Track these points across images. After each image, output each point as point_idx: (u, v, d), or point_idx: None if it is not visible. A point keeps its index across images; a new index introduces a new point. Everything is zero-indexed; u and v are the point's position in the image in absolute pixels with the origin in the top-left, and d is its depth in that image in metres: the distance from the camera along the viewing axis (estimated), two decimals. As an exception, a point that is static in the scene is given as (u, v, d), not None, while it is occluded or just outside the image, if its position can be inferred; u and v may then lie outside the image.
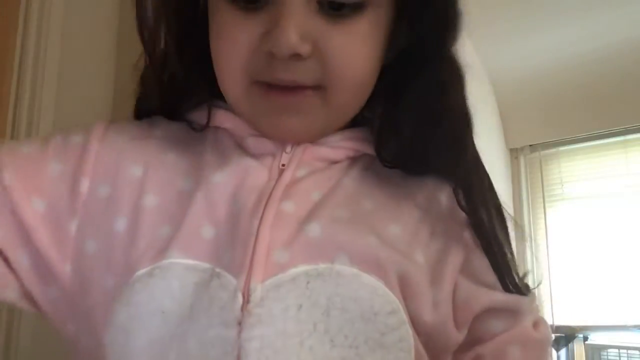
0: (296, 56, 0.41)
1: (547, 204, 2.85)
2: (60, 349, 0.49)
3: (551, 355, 0.50)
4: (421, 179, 0.49)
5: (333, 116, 0.47)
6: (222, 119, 0.49)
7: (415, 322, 0.41)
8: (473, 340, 0.46)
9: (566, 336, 2.68)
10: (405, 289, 0.41)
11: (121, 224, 0.43)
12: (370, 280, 0.40)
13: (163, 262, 0.40)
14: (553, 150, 2.88)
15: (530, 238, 2.87)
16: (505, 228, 0.48)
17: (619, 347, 2.48)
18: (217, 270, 0.40)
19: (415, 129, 0.48)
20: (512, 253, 0.48)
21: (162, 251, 0.41)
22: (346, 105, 0.47)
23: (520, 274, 0.49)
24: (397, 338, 0.40)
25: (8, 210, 0.43)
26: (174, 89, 0.50)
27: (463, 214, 0.47)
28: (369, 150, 0.50)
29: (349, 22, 0.43)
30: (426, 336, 0.42)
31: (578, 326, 2.65)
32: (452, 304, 0.44)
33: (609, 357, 2.50)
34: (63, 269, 0.43)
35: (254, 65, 0.43)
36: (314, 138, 0.48)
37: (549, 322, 2.85)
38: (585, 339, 2.62)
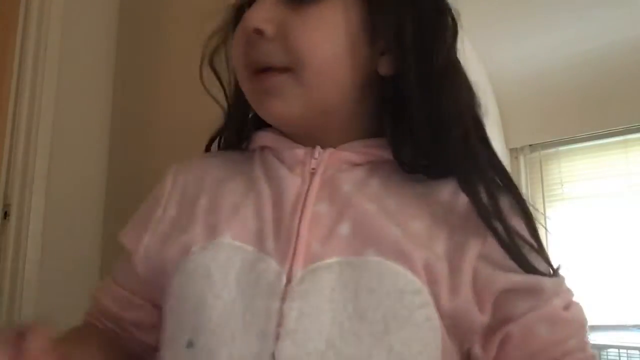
0: (259, 33, 0.50)
1: (547, 204, 2.85)
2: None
3: (588, 339, 0.53)
4: (441, 181, 0.53)
5: (311, 97, 0.52)
6: (264, 139, 0.58)
7: (437, 307, 0.46)
8: (501, 321, 0.48)
9: (566, 336, 2.68)
10: (428, 277, 0.46)
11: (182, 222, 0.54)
12: (396, 266, 0.46)
13: (214, 240, 0.50)
14: (553, 150, 2.88)
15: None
16: (526, 219, 0.50)
17: (619, 347, 2.48)
18: (261, 254, 0.49)
19: (426, 134, 0.51)
20: (535, 241, 0.50)
21: (214, 233, 0.51)
22: (320, 86, 0.51)
23: (546, 259, 0.50)
24: (425, 317, 0.45)
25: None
26: (231, 129, 0.62)
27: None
28: (390, 156, 0.54)
29: (309, 9, 0.50)
30: (449, 319, 0.46)
31: (578, 326, 2.65)
32: (472, 289, 0.47)
33: (609, 357, 2.50)
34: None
35: (245, 56, 0.52)
36: (300, 120, 0.53)
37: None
38: (585, 338, 2.62)
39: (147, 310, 0.58)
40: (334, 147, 0.54)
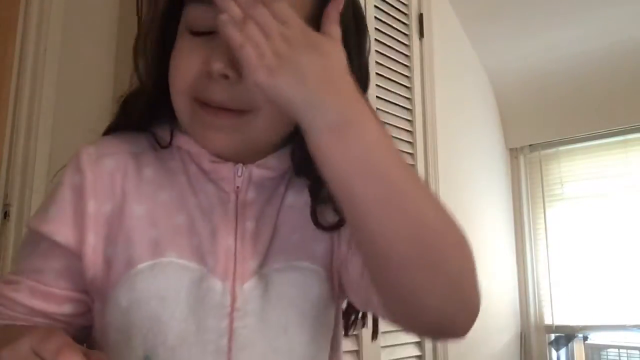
0: (225, 78, 0.52)
1: (546, 204, 2.86)
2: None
3: None
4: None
5: (255, 138, 0.56)
6: (183, 142, 0.59)
7: (331, 286, 0.59)
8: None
9: (566, 336, 2.68)
10: (326, 266, 0.58)
11: (117, 228, 0.55)
12: (310, 266, 0.57)
13: (161, 259, 0.53)
14: (553, 150, 2.88)
15: (530, 238, 2.87)
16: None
17: (619, 347, 2.48)
18: (204, 271, 0.54)
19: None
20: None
21: (159, 251, 0.53)
22: (267, 130, 0.56)
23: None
24: (329, 296, 0.58)
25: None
26: (149, 106, 0.60)
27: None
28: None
29: None
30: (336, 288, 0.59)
31: (578, 326, 2.66)
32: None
33: (609, 357, 2.50)
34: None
35: (197, 84, 0.54)
36: (236, 155, 0.57)
37: (549, 322, 2.86)
38: (585, 339, 2.62)
39: (85, 300, 0.57)
40: (252, 163, 0.58)
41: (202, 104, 0.54)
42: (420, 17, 1.95)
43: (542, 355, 2.74)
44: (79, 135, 1.31)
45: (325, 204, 0.58)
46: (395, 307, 0.52)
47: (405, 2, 1.89)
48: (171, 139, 0.59)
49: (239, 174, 0.58)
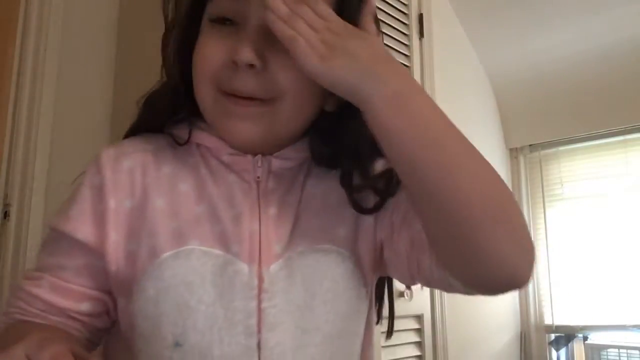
0: (251, 67, 0.53)
1: (546, 204, 2.85)
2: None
3: None
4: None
5: (279, 127, 0.58)
6: (202, 138, 0.61)
7: (359, 265, 0.60)
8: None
9: (566, 336, 2.68)
10: (351, 249, 0.60)
11: (140, 222, 0.56)
12: (333, 248, 0.58)
13: (185, 247, 0.55)
14: (553, 150, 2.88)
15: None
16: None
17: (618, 347, 2.48)
18: (229, 257, 0.55)
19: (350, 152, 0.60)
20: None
21: (182, 240, 0.55)
22: (291, 119, 0.58)
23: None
24: (354, 281, 0.59)
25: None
26: (175, 101, 0.61)
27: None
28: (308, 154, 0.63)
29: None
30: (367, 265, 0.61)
31: (578, 326, 2.66)
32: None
33: (609, 357, 2.50)
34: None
35: (221, 75, 0.55)
36: (261, 144, 0.59)
37: (549, 322, 2.85)
38: (585, 338, 2.62)
39: (104, 300, 0.58)
40: (271, 154, 0.60)
41: (227, 94, 0.55)
42: (420, 17, 1.95)
43: (542, 355, 2.74)
44: (79, 135, 1.31)
45: (359, 191, 0.60)
46: (457, 263, 0.54)
47: (405, 2, 1.89)
48: (189, 137, 0.60)
49: (259, 164, 0.59)
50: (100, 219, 0.56)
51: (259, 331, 0.54)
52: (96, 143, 1.34)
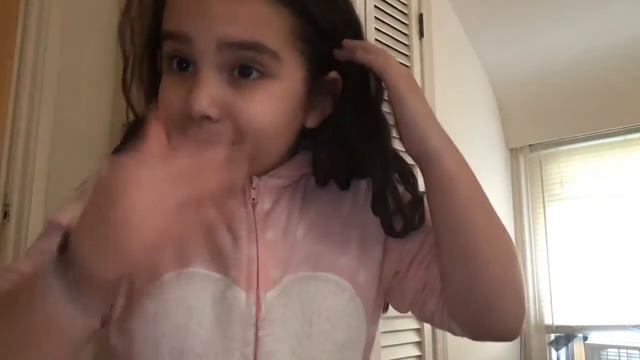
0: (207, 118, 0.51)
1: (546, 204, 2.85)
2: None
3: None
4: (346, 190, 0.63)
5: (259, 161, 0.56)
6: None
7: (359, 293, 0.60)
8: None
9: (566, 336, 2.68)
10: (351, 277, 0.59)
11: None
12: (327, 275, 0.58)
13: (187, 269, 0.55)
14: (553, 150, 2.88)
15: (530, 238, 2.87)
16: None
17: (618, 347, 2.48)
18: (228, 281, 0.55)
19: (344, 158, 0.61)
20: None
21: (184, 262, 0.55)
22: (267, 152, 0.57)
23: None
24: (352, 307, 0.59)
25: None
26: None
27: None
28: (307, 170, 0.62)
29: (252, 87, 0.52)
30: (373, 295, 0.62)
31: (578, 326, 2.66)
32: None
33: (609, 357, 2.50)
34: None
35: (183, 124, 0.52)
36: (246, 177, 0.58)
37: (549, 322, 2.85)
38: (585, 338, 2.62)
39: None
40: (265, 174, 0.59)
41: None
42: (420, 17, 1.95)
43: (542, 355, 2.74)
44: (79, 135, 1.31)
45: (391, 215, 0.61)
46: (467, 315, 0.58)
47: (405, 2, 1.89)
48: None
49: (253, 186, 0.59)
50: None
51: (255, 358, 0.54)
52: (96, 143, 1.33)
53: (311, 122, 0.59)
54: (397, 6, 1.85)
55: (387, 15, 1.80)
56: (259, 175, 0.59)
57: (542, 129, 2.87)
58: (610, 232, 2.60)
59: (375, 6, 1.75)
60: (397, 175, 0.63)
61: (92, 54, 1.37)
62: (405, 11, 1.89)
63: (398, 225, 0.61)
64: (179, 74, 0.54)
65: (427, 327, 1.77)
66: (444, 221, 0.58)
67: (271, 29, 0.52)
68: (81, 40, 1.35)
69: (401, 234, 0.61)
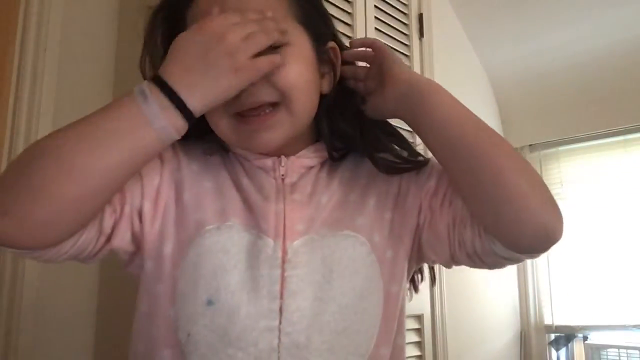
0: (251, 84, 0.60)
1: (547, 204, 2.85)
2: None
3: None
4: (359, 164, 0.73)
5: (297, 123, 0.66)
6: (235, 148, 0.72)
7: (374, 250, 0.67)
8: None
9: (566, 336, 2.68)
10: (369, 235, 0.67)
11: (187, 197, 0.66)
12: (347, 232, 0.66)
13: (226, 223, 0.64)
14: (553, 150, 2.88)
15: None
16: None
17: (618, 347, 2.48)
18: (259, 233, 0.64)
19: (349, 129, 0.71)
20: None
21: (224, 217, 0.64)
22: (304, 112, 0.66)
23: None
24: (370, 260, 0.66)
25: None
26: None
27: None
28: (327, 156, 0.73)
29: (281, 51, 0.62)
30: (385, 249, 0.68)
31: (578, 326, 2.66)
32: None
33: (609, 357, 2.50)
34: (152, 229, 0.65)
35: (229, 103, 0.61)
36: (286, 144, 0.67)
37: (549, 322, 2.86)
38: (585, 338, 2.62)
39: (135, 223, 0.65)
40: (293, 155, 0.70)
41: (240, 115, 0.63)
42: (420, 17, 1.95)
43: (542, 355, 2.74)
44: (79, 135, 1.31)
45: (380, 162, 0.70)
46: (499, 224, 0.61)
47: (405, 2, 1.89)
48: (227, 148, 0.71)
49: (282, 164, 0.69)
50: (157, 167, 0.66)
51: (281, 297, 0.61)
52: (96, 143, 1.33)
53: (324, 88, 0.70)
54: (397, 6, 1.85)
55: (387, 15, 1.80)
56: (287, 155, 0.69)
57: (542, 129, 2.86)
58: (610, 232, 2.60)
59: (375, 6, 1.75)
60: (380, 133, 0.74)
61: (92, 54, 1.37)
62: (405, 11, 1.89)
63: (399, 163, 0.71)
64: None
65: (427, 327, 1.77)
66: (452, 147, 0.64)
67: (272, 9, 0.63)
68: (81, 40, 1.35)
69: (407, 165, 0.71)
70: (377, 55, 0.72)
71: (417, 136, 0.69)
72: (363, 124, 0.72)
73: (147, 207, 0.64)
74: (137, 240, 0.64)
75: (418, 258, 0.71)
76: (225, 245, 0.62)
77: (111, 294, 1.26)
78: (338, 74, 0.71)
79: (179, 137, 0.58)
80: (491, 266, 0.67)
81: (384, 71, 0.70)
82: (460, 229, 0.65)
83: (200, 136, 0.70)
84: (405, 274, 0.70)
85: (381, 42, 0.73)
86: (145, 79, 0.68)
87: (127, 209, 0.63)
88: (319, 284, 0.62)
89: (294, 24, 0.65)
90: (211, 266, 0.61)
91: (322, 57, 0.69)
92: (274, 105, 0.63)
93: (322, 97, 0.70)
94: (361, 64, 0.76)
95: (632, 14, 2.38)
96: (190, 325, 0.60)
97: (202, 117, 0.64)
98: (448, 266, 0.70)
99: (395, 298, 0.67)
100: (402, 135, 0.77)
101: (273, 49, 0.61)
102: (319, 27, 0.70)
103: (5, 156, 1.17)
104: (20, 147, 1.18)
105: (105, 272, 1.27)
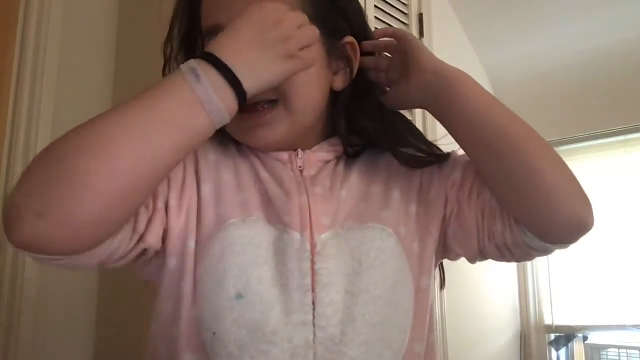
0: None
1: (547, 204, 2.85)
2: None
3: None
4: (377, 155, 0.72)
5: (297, 121, 0.65)
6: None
7: (403, 244, 0.65)
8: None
9: (566, 336, 2.68)
10: (395, 227, 0.65)
11: (208, 190, 0.64)
12: (373, 225, 0.64)
13: (251, 217, 0.62)
14: (553, 150, 2.88)
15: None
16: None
17: (618, 347, 2.48)
18: (284, 227, 0.62)
19: (368, 124, 0.70)
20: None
21: (247, 211, 0.62)
22: (304, 109, 0.65)
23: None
24: (398, 253, 0.64)
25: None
26: None
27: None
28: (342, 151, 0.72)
29: None
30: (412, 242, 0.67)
31: (578, 326, 2.66)
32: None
33: (609, 357, 2.50)
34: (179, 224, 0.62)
35: None
36: (288, 141, 0.66)
37: (549, 322, 2.85)
38: (585, 338, 2.62)
39: (165, 220, 0.62)
40: (309, 149, 0.69)
41: (242, 113, 0.60)
42: (420, 17, 1.95)
43: (542, 355, 2.73)
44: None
45: (406, 159, 0.69)
46: (530, 212, 0.61)
47: (405, 2, 1.89)
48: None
49: (299, 157, 0.68)
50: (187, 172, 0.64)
51: (313, 290, 0.59)
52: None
53: (337, 85, 0.68)
54: (397, 6, 1.85)
55: (387, 15, 1.80)
56: (303, 149, 0.68)
57: (543, 129, 2.80)
58: (611, 232, 2.60)
59: (375, 6, 1.75)
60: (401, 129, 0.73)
61: (92, 54, 1.37)
62: (406, 11, 1.89)
63: (424, 157, 0.70)
64: None
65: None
66: (483, 137, 0.63)
67: (286, 3, 0.60)
68: (81, 40, 1.35)
69: (430, 159, 0.70)
70: (401, 44, 0.70)
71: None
72: (383, 117, 0.71)
73: (174, 200, 0.61)
74: (164, 237, 0.60)
75: (443, 252, 0.70)
76: (254, 240, 0.60)
77: (111, 294, 1.27)
78: (355, 69, 0.69)
79: (229, 121, 0.55)
80: (519, 258, 0.66)
81: (409, 60, 0.68)
82: (490, 221, 0.64)
83: None
84: (434, 267, 0.68)
85: (405, 30, 0.72)
86: (167, 63, 0.69)
87: (159, 203, 0.59)
88: (349, 278, 0.60)
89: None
90: (240, 260, 0.59)
91: (336, 53, 0.68)
92: (273, 102, 0.63)
93: (337, 93, 0.69)
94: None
95: (632, 14, 2.38)
96: (217, 323, 0.57)
97: None
98: (473, 261, 0.69)
99: (425, 292, 0.66)
100: (418, 130, 0.76)
101: None
102: (334, 23, 0.68)
103: (5, 156, 1.17)
104: (20, 147, 1.18)
105: (105, 272, 1.27)
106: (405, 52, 0.69)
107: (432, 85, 0.66)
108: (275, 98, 0.63)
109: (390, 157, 0.70)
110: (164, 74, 0.67)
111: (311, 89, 0.65)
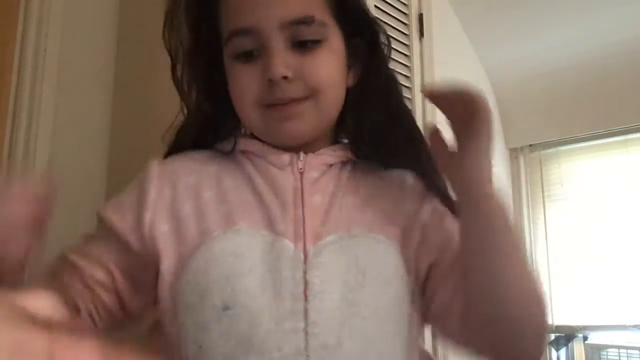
0: (285, 78, 0.62)
1: (546, 204, 2.85)
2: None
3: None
4: (392, 171, 0.71)
5: (324, 115, 0.66)
6: (247, 144, 0.69)
7: (402, 254, 0.64)
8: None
9: (566, 336, 2.68)
10: (394, 239, 0.64)
11: (187, 208, 0.63)
12: (375, 235, 0.64)
13: (233, 227, 0.61)
14: (553, 149, 2.88)
15: (530, 238, 2.87)
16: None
17: (618, 347, 2.48)
18: (276, 236, 0.61)
19: (376, 133, 0.69)
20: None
21: (230, 221, 0.61)
22: (331, 105, 0.67)
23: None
24: (395, 263, 0.63)
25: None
26: (208, 128, 0.71)
27: (422, 187, 0.70)
28: (348, 155, 0.70)
29: (313, 51, 0.64)
30: (408, 259, 0.65)
31: (578, 326, 2.66)
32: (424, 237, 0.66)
33: (609, 357, 2.50)
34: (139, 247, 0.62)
35: (261, 95, 0.64)
36: (310, 138, 0.67)
37: (549, 322, 2.86)
38: (585, 338, 2.62)
39: (118, 281, 0.62)
40: (312, 152, 0.68)
41: (270, 105, 0.64)
42: (420, 17, 1.95)
43: (542, 355, 2.73)
44: (79, 135, 1.31)
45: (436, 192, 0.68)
46: (486, 347, 0.62)
47: (405, 2, 1.89)
48: (234, 145, 0.69)
49: (301, 159, 0.67)
50: (139, 206, 0.62)
51: (306, 299, 0.58)
52: (96, 143, 1.34)
53: (350, 81, 0.70)
54: (397, 6, 1.85)
55: (387, 15, 1.80)
56: (306, 152, 0.67)
57: (543, 128, 2.87)
58: (610, 232, 2.60)
59: (375, 6, 1.75)
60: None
61: (92, 54, 1.37)
62: (405, 11, 1.89)
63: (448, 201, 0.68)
64: (247, 64, 0.65)
65: (427, 327, 1.77)
66: (476, 263, 0.61)
67: (314, 3, 0.65)
68: (81, 40, 1.35)
69: (447, 201, 0.67)
70: (470, 108, 0.61)
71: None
72: (389, 123, 0.69)
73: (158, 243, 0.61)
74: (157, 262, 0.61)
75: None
76: (237, 250, 0.59)
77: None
78: (369, 65, 0.70)
79: None
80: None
81: (466, 142, 0.61)
82: (446, 315, 0.64)
83: (181, 150, 0.70)
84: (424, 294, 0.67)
85: (487, 103, 0.61)
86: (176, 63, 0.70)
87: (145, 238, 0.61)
88: (348, 286, 0.59)
89: (329, 17, 0.66)
90: (223, 271, 0.58)
91: (351, 50, 0.69)
92: (304, 99, 0.64)
93: (347, 90, 0.69)
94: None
95: (632, 14, 2.38)
96: (202, 336, 0.57)
97: (180, 134, 0.69)
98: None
99: (417, 317, 0.65)
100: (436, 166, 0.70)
101: (313, 42, 0.64)
102: (354, 21, 0.69)
103: (5, 156, 1.17)
104: (20, 147, 1.18)
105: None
106: (468, 123, 0.61)
107: (470, 184, 0.62)
108: (306, 95, 0.64)
109: (405, 176, 0.70)
110: (173, 75, 0.70)
111: (337, 86, 0.67)
